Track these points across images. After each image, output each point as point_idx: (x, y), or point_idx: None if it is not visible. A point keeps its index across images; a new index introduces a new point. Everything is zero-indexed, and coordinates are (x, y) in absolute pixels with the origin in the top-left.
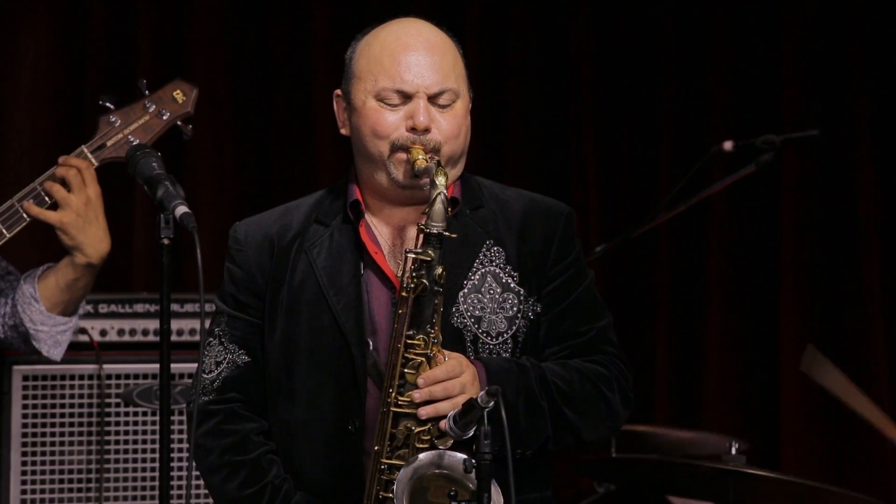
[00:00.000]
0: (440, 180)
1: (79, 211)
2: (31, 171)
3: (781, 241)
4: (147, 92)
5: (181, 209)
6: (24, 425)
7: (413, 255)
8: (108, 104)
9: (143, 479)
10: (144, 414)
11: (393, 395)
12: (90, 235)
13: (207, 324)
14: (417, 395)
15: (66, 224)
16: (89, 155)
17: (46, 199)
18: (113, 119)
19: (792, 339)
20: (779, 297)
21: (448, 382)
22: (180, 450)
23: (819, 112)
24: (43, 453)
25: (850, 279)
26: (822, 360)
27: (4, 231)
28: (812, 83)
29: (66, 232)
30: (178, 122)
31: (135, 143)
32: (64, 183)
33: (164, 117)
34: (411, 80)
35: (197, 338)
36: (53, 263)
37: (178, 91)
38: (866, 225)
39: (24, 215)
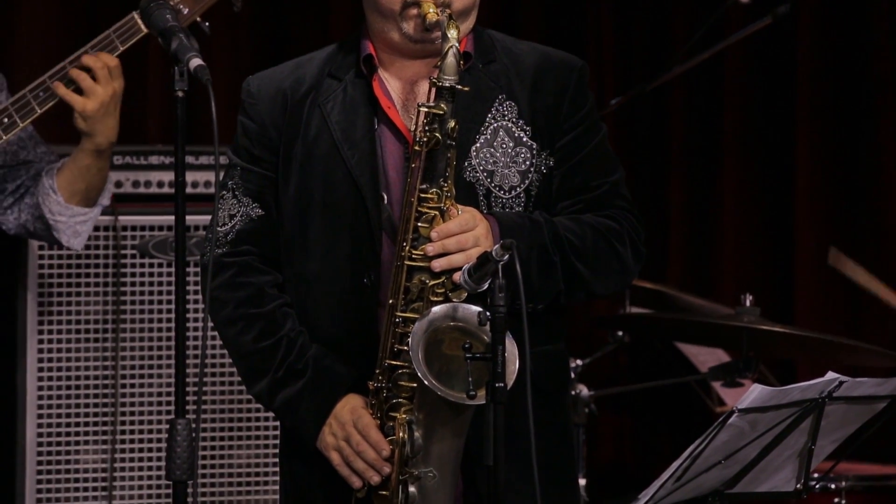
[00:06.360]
0: (452, 33)
1: (103, 102)
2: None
3: (797, 93)
4: None
5: (195, 61)
6: (41, 276)
7: (425, 109)
8: None
9: (160, 329)
10: (160, 265)
11: (407, 248)
12: (105, 125)
13: (221, 176)
14: (431, 249)
15: (87, 111)
16: (116, 40)
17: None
18: None
19: (807, 191)
20: (794, 149)
21: (461, 235)
22: (196, 301)
23: None
24: (59, 303)
25: (866, 130)
26: (846, 259)
27: (36, 107)
28: None
29: (85, 119)
30: (198, 18)
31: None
32: (90, 71)
33: (185, 12)
34: None
35: (212, 190)
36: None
37: None
38: (882, 76)
39: (53, 93)
